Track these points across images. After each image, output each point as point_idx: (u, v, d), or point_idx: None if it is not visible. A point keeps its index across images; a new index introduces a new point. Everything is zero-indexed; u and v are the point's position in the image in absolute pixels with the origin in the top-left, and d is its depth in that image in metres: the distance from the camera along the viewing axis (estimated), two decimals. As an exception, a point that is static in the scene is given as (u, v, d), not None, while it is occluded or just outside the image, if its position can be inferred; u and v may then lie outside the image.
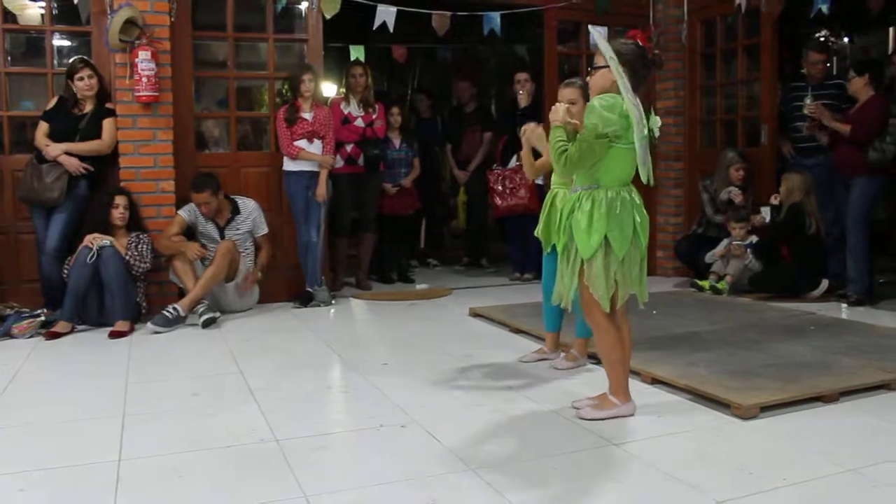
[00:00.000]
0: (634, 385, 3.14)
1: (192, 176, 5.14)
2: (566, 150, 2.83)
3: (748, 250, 5.74)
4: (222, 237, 5.17)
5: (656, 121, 2.87)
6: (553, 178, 3.67)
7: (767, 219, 5.76)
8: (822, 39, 7.88)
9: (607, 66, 2.81)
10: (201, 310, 4.79)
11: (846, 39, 8.92)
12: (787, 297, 5.41)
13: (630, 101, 2.73)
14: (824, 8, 5.29)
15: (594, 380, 3.40)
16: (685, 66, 6.75)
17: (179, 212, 5.12)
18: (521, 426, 2.91)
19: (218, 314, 4.90)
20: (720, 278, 5.77)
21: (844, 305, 5.23)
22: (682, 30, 6.66)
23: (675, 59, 6.72)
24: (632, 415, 2.95)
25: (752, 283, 5.66)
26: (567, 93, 3.40)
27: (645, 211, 2.91)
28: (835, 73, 7.23)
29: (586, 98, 3.25)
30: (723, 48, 6.57)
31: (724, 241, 5.89)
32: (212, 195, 5.08)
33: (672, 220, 6.82)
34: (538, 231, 3.67)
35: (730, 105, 6.64)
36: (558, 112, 2.98)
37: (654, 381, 3.40)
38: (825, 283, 5.50)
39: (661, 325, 4.46)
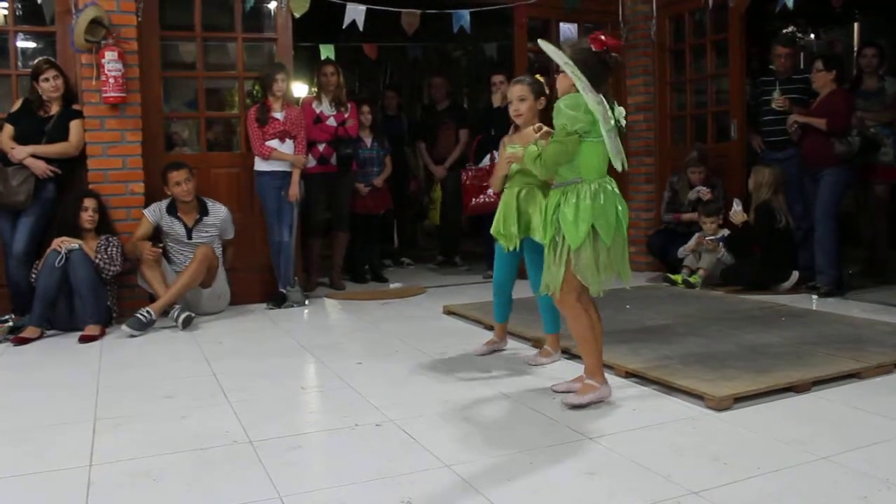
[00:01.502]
0: (608, 378, 3.15)
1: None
2: (539, 154, 2.99)
3: (721, 244, 5.78)
4: (189, 237, 5.10)
5: (621, 111, 2.99)
6: (516, 176, 3.67)
7: (739, 207, 5.74)
8: (789, 34, 7.97)
9: None
10: (176, 312, 4.74)
11: (812, 35, 9.04)
12: (758, 290, 5.48)
13: (592, 99, 2.83)
14: (789, 3, 5.37)
15: (569, 374, 3.40)
16: (654, 62, 6.79)
17: (144, 212, 5.03)
18: (497, 422, 2.92)
19: (193, 314, 4.85)
20: (692, 272, 5.82)
21: (815, 297, 5.29)
22: (650, 26, 6.70)
23: (644, 56, 6.77)
24: (609, 395, 3.05)
25: (724, 276, 5.72)
26: (516, 90, 3.50)
27: (623, 200, 3.04)
28: (802, 67, 7.32)
29: (536, 94, 3.44)
30: (692, 44, 6.63)
31: (696, 236, 5.93)
32: (189, 173, 5.01)
33: (644, 216, 6.86)
34: (495, 228, 3.66)
35: (699, 100, 6.70)
36: (521, 149, 3.15)
37: (628, 375, 3.43)
38: (795, 275, 5.56)
39: (634, 319, 4.49)
